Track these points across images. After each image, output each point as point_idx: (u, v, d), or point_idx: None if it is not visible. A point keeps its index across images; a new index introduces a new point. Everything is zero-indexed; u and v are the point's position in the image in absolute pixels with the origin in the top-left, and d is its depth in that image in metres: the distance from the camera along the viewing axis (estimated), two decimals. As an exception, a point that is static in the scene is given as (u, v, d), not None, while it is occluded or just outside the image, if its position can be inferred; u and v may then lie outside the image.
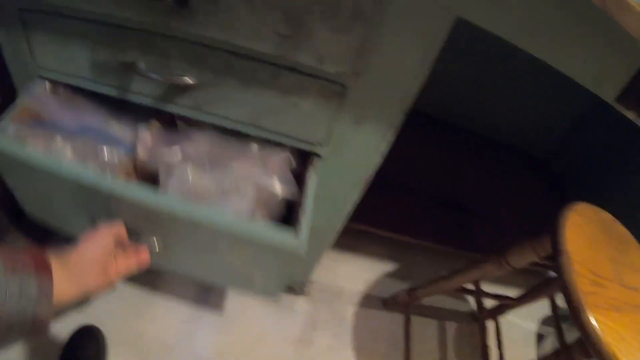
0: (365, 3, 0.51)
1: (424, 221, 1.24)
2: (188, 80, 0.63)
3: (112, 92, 0.71)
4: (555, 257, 0.74)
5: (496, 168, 1.53)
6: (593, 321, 0.65)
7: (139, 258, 0.64)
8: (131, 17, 0.59)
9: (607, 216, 0.89)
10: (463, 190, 1.39)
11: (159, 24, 0.59)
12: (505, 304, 1.21)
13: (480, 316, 0.99)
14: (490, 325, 1.21)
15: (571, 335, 1.20)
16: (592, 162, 1.53)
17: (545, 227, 0.82)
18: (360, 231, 1.40)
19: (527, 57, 0.58)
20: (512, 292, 1.22)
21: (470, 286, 1.04)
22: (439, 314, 1.32)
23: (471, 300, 1.37)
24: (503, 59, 1.36)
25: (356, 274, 1.32)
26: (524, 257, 0.89)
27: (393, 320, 1.25)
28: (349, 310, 1.24)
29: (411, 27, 0.54)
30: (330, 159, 0.71)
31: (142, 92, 0.69)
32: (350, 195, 0.78)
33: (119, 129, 0.75)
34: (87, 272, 0.56)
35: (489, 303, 1.23)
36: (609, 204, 0.92)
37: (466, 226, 1.30)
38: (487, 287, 1.15)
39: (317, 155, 0.70)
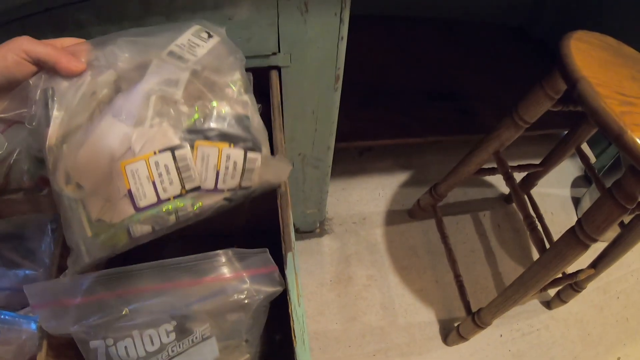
0: None
1: (423, 118, 1.16)
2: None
3: None
4: (573, 87, 0.65)
5: (477, 48, 1.43)
6: (638, 140, 0.57)
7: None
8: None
9: (611, 40, 0.80)
10: (452, 78, 1.30)
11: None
12: (534, 174, 1.14)
13: (513, 190, 0.92)
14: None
15: (608, 182, 1.15)
16: (568, 19, 1.42)
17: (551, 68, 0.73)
18: (361, 150, 1.32)
19: None
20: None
21: (492, 165, 0.96)
22: (468, 207, 1.26)
23: (496, 183, 1.31)
24: None
25: (371, 195, 1.24)
26: (537, 106, 0.80)
27: (426, 228, 1.19)
28: (378, 234, 1.17)
29: None
30: (294, 66, 0.62)
31: None
32: (330, 99, 0.69)
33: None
34: None
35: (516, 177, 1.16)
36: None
37: (468, 111, 1.21)
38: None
39: (277, 69, 0.62)
